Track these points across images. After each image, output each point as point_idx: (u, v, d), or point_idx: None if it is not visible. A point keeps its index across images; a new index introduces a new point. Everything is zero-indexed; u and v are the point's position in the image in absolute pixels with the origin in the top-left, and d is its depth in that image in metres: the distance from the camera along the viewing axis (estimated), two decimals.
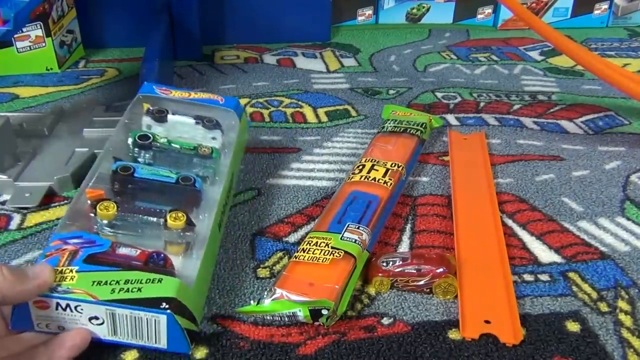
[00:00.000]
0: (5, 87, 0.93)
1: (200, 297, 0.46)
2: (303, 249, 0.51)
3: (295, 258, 0.50)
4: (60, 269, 0.41)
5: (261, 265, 0.54)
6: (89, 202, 0.49)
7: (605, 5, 1.31)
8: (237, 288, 0.51)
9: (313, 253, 0.50)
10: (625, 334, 0.46)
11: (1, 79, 0.96)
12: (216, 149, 0.58)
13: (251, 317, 0.47)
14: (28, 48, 0.97)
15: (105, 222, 0.48)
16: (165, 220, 0.48)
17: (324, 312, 0.44)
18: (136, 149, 0.57)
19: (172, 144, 0.57)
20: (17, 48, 0.97)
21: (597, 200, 0.64)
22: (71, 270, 0.41)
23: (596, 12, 1.31)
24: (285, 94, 0.93)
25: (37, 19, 0.95)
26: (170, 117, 0.61)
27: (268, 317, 0.46)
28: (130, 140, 0.57)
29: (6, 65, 0.97)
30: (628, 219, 0.61)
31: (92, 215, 0.48)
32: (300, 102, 0.89)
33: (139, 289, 0.41)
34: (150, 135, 0.57)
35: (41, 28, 0.96)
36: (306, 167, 0.71)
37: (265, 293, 0.47)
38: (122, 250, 0.44)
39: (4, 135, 0.66)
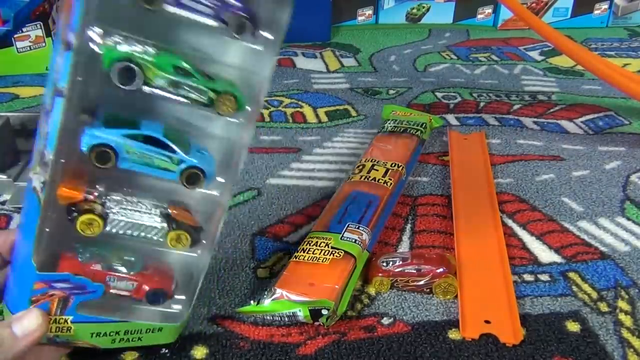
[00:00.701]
0: (5, 87, 0.93)
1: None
2: (303, 249, 0.51)
3: (295, 258, 0.50)
4: (53, 317, 0.38)
5: (261, 265, 0.54)
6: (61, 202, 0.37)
7: (605, 5, 1.31)
8: (237, 288, 0.51)
9: (313, 253, 0.50)
10: (625, 334, 0.46)
11: (1, 79, 0.96)
12: (242, 97, 0.37)
13: (251, 317, 0.47)
14: (28, 48, 0.97)
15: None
16: (167, 235, 0.39)
17: (324, 312, 0.44)
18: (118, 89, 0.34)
19: (177, 90, 0.35)
20: (17, 48, 0.97)
21: (597, 200, 0.64)
22: (66, 321, 0.39)
23: (596, 12, 1.32)
24: (285, 94, 0.93)
25: (37, 19, 0.95)
26: (169, 7, 0.33)
27: (268, 317, 0.46)
28: (104, 66, 0.33)
29: (6, 65, 0.97)
30: (628, 219, 0.61)
31: (69, 220, 0.37)
32: (300, 102, 0.89)
33: (140, 338, 0.41)
34: (134, 69, 0.33)
35: (41, 28, 0.96)
36: (306, 167, 0.71)
37: (265, 293, 0.47)
38: (118, 286, 0.39)
39: (4, 135, 0.66)
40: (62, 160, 0.35)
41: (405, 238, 0.58)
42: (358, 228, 0.53)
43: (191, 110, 0.37)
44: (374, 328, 0.46)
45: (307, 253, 0.50)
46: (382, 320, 0.47)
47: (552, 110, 0.88)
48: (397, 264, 0.50)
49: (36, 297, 0.38)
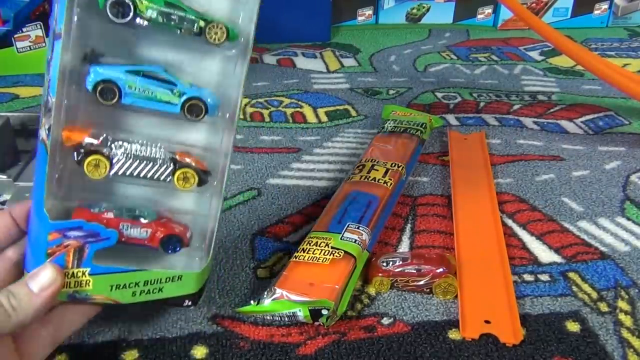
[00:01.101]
0: (5, 87, 0.93)
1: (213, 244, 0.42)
2: (303, 249, 0.51)
3: (295, 258, 0.50)
4: (70, 271, 0.38)
5: (261, 265, 0.54)
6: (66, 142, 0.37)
7: (605, 5, 1.31)
8: (237, 288, 0.51)
9: (313, 253, 0.50)
10: (625, 334, 0.46)
11: (1, 79, 0.96)
12: (232, 30, 0.38)
13: (251, 317, 0.47)
14: (28, 48, 0.97)
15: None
16: (173, 174, 0.40)
17: (324, 312, 0.44)
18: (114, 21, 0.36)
19: (168, 19, 0.37)
20: (17, 48, 0.97)
21: (597, 200, 0.64)
22: (84, 273, 0.38)
23: (596, 12, 1.32)
24: (285, 94, 0.93)
25: (37, 19, 0.95)
26: None
27: (268, 317, 0.46)
28: (99, 6, 0.36)
29: (6, 65, 0.97)
30: (628, 219, 0.61)
31: (77, 163, 0.38)
32: (300, 102, 0.89)
33: (160, 289, 0.40)
34: (126, 1, 0.36)
35: (41, 28, 0.96)
36: (306, 167, 0.71)
37: (265, 293, 0.47)
38: (132, 234, 0.39)
39: (4, 135, 0.66)
40: (65, 101, 0.36)
41: (405, 238, 0.58)
42: (358, 228, 0.53)
43: (185, 49, 0.38)
44: (374, 328, 0.46)
45: (307, 253, 0.50)
46: (382, 320, 0.47)
47: (552, 110, 0.88)
48: (397, 264, 0.50)
49: (52, 249, 0.37)
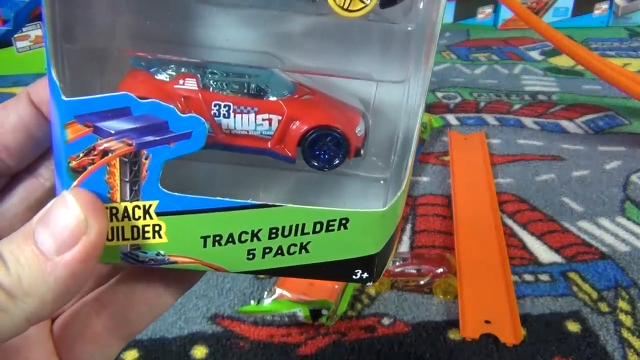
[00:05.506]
0: (5, 87, 0.93)
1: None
2: None
3: None
4: (119, 206, 0.19)
5: None
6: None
7: (605, 5, 1.31)
8: (237, 288, 0.51)
9: None
10: (626, 334, 0.46)
11: (1, 79, 0.96)
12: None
13: (251, 317, 0.47)
14: (28, 48, 0.97)
15: None
16: None
17: (324, 312, 0.44)
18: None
19: None
20: (17, 48, 0.97)
21: (597, 200, 0.64)
22: (147, 211, 0.19)
23: (596, 12, 1.32)
24: None
25: (37, 19, 0.95)
26: None
27: (268, 317, 0.46)
28: None
29: (6, 65, 0.97)
30: (628, 219, 0.61)
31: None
32: None
33: (304, 247, 0.20)
34: None
35: (41, 28, 0.96)
36: None
37: (265, 293, 0.47)
38: (239, 125, 0.20)
39: None
40: None
41: (405, 238, 0.58)
42: None
43: None
44: (374, 328, 0.46)
45: None
46: (382, 320, 0.47)
47: (552, 110, 0.88)
48: (397, 264, 0.50)
49: (77, 161, 0.19)
